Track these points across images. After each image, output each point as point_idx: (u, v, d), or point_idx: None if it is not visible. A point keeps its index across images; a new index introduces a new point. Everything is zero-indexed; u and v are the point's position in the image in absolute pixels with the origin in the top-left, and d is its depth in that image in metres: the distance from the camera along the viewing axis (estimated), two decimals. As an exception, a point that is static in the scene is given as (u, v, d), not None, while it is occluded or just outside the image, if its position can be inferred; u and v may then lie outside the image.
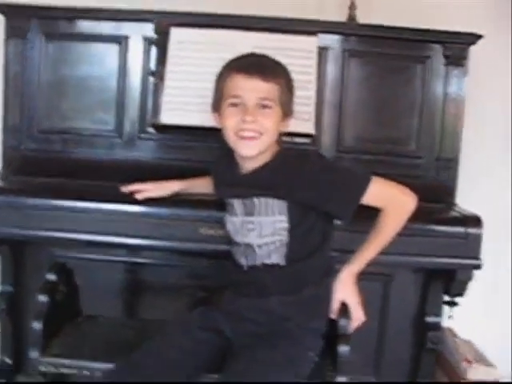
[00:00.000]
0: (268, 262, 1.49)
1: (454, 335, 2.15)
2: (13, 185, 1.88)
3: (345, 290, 1.52)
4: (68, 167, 1.96)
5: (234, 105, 1.47)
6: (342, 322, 1.50)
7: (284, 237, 1.48)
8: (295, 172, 1.46)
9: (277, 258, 1.48)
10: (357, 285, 1.54)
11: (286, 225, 1.47)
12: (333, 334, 1.51)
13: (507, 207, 2.25)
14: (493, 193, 2.23)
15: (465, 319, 2.05)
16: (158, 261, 2.01)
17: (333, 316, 1.52)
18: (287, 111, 1.52)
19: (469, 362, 1.97)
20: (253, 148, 1.47)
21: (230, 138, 1.49)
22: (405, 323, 2.04)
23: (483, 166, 2.22)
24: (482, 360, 2.00)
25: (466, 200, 1.99)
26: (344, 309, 1.53)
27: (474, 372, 1.95)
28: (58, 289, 1.65)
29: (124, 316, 2.04)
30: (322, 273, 1.52)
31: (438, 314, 2.01)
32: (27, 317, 1.98)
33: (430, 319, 2.00)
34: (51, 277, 1.64)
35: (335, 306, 1.52)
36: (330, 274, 1.54)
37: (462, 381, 1.96)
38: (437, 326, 2.00)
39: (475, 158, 2.15)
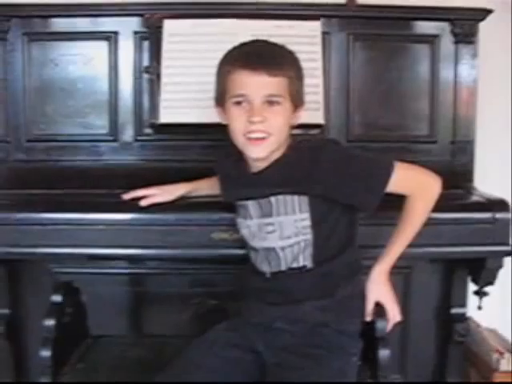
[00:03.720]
0: (295, 265, 1.37)
1: (478, 325, 2.06)
2: (3, 199, 1.73)
3: (378, 289, 1.41)
4: (62, 177, 1.83)
5: (239, 103, 1.34)
6: (380, 323, 1.39)
7: (308, 236, 1.36)
8: (313, 164, 1.34)
9: (303, 260, 1.37)
10: (390, 282, 1.43)
11: (309, 222, 1.35)
12: (370, 336, 1.40)
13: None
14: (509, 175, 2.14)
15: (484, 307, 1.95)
16: (164, 270, 1.89)
17: (368, 318, 1.41)
18: (298, 103, 1.39)
19: (500, 353, 1.88)
20: (263, 150, 1.34)
21: (238, 139, 1.36)
22: (428, 316, 1.95)
23: (499, 147, 2.12)
24: (512, 350, 1.92)
25: (483, 184, 1.90)
26: (379, 309, 1.42)
27: (507, 364, 1.86)
28: (64, 310, 1.51)
29: (132, 331, 1.92)
30: (351, 271, 1.41)
31: (463, 304, 1.91)
32: (30, 341, 1.87)
33: (456, 310, 1.90)
34: (57, 298, 1.50)
35: (370, 307, 1.41)
36: (359, 270, 1.43)
37: (493, 374, 1.87)
38: (463, 318, 1.90)
39: (490, 140, 2.05)
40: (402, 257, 1.45)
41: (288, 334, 1.35)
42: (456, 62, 1.90)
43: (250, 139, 1.34)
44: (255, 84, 1.32)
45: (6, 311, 1.85)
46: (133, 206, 1.60)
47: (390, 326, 1.42)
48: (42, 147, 1.87)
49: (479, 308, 1.80)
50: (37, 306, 1.82)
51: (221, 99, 1.40)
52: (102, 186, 1.74)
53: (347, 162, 1.36)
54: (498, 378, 1.87)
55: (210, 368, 1.33)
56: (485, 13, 1.85)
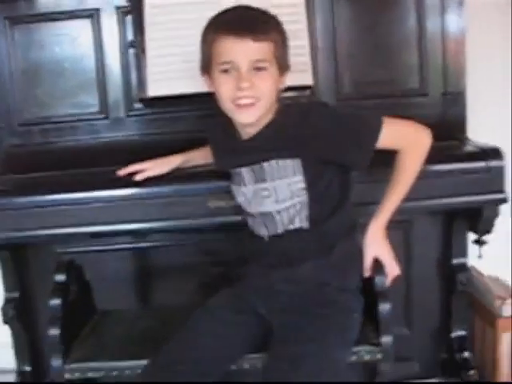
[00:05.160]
0: (291, 227, 1.39)
1: (480, 273, 2.08)
2: (1, 185, 1.75)
3: (375, 245, 1.43)
4: (56, 158, 1.84)
5: (226, 70, 1.34)
6: (379, 279, 1.41)
7: (303, 197, 1.38)
8: (303, 127, 1.35)
9: (300, 222, 1.38)
10: (387, 237, 1.45)
11: (303, 184, 1.37)
12: (370, 291, 1.42)
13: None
14: (503, 124, 2.12)
15: (486, 255, 1.96)
16: (166, 242, 1.91)
17: (367, 274, 1.43)
18: (284, 66, 1.39)
19: (502, 299, 1.90)
20: (252, 115, 1.35)
21: (227, 106, 1.37)
22: (430, 268, 1.97)
23: (491, 98, 2.10)
24: (514, 296, 1.94)
25: (477, 135, 1.90)
26: (377, 265, 1.44)
27: (509, 308, 1.89)
28: (69, 289, 1.54)
29: (139, 305, 1.95)
30: (348, 229, 1.43)
31: (464, 254, 1.93)
32: (40, 321, 1.91)
33: (457, 261, 1.92)
34: (60, 277, 1.52)
35: (368, 263, 1.43)
36: (355, 228, 1.45)
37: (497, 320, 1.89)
38: (464, 267, 1.92)
39: (481, 90, 2.04)
40: (399, 211, 1.47)
41: (289, 294, 1.38)
42: (443, 13, 1.87)
43: (238, 105, 1.34)
44: (241, 50, 1.32)
45: (15, 294, 1.89)
46: (129, 181, 1.61)
47: (389, 281, 1.44)
48: (34, 130, 1.88)
49: (479, 257, 1.82)
50: (45, 286, 1.84)
51: (207, 67, 1.40)
52: (98, 164, 1.75)
53: (336, 122, 1.36)
54: (501, 323, 1.89)
55: (215, 335, 1.35)
56: (469, -40, 1.83)
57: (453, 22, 1.88)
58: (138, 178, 1.59)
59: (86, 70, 1.86)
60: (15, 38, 1.84)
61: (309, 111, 1.37)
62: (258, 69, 1.33)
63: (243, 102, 1.33)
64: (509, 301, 1.90)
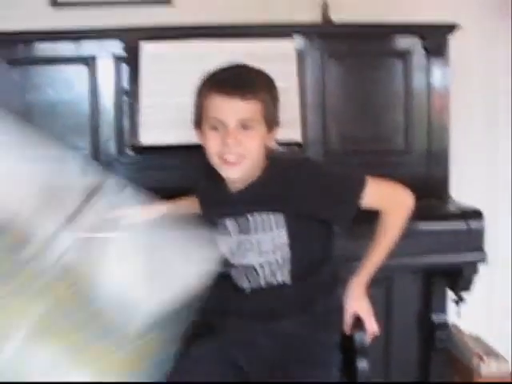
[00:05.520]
0: (273, 281, 1.40)
1: (460, 332, 2.10)
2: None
3: (356, 303, 1.45)
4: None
5: (215, 127, 1.38)
6: (358, 335, 1.43)
7: (286, 252, 1.40)
8: (287, 183, 1.38)
9: (281, 276, 1.40)
10: (368, 295, 1.47)
11: (286, 240, 1.39)
12: (349, 347, 1.44)
13: (502, 197, 2.20)
14: (486, 184, 2.18)
15: (467, 314, 1.99)
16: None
17: (347, 331, 1.45)
18: (272, 124, 1.42)
19: (480, 357, 1.92)
20: (237, 171, 1.38)
21: (214, 161, 1.40)
22: (410, 325, 1.99)
23: (473, 156, 2.17)
24: (493, 355, 1.95)
25: (459, 193, 1.95)
26: (357, 322, 1.45)
27: (487, 367, 1.90)
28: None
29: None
30: (329, 285, 1.45)
31: (444, 311, 1.95)
32: None
33: (436, 318, 1.94)
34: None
35: (348, 320, 1.45)
36: (337, 284, 1.47)
37: (475, 379, 1.91)
38: (444, 325, 1.94)
39: (464, 149, 2.11)
40: (380, 268, 1.49)
41: (268, 348, 1.38)
42: (428, 75, 1.96)
43: (224, 161, 1.38)
44: (229, 108, 1.35)
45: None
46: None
47: (368, 339, 1.45)
48: (25, 171, 1.90)
49: (458, 315, 1.85)
50: None
51: (199, 122, 1.44)
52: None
53: (320, 179, 1.39)
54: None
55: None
56: (453, 27, 1.91)
57: (437, 83, 1.97)
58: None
59: (80, 114, 1.90)
60: (13, 79, 1.88)
61: (295, 168, 1.40)
62: (246, 127, 1.36)
63: (228, 158, 1.37)
64: (487, 359, 1.92)
